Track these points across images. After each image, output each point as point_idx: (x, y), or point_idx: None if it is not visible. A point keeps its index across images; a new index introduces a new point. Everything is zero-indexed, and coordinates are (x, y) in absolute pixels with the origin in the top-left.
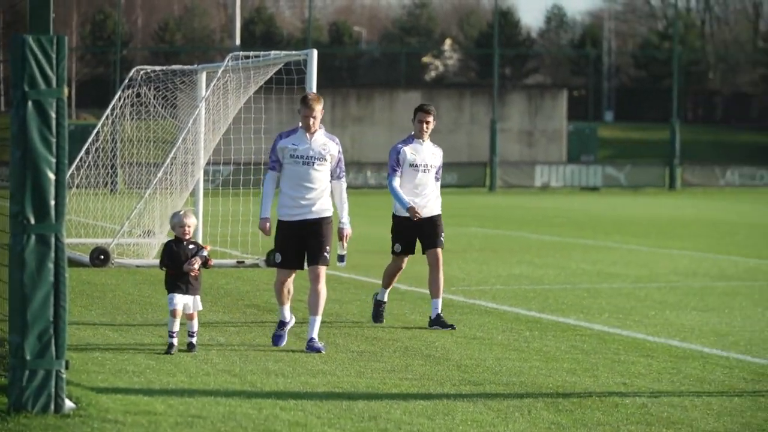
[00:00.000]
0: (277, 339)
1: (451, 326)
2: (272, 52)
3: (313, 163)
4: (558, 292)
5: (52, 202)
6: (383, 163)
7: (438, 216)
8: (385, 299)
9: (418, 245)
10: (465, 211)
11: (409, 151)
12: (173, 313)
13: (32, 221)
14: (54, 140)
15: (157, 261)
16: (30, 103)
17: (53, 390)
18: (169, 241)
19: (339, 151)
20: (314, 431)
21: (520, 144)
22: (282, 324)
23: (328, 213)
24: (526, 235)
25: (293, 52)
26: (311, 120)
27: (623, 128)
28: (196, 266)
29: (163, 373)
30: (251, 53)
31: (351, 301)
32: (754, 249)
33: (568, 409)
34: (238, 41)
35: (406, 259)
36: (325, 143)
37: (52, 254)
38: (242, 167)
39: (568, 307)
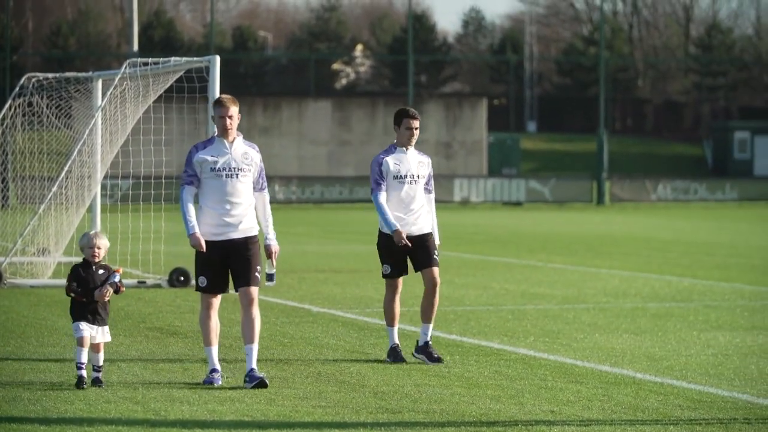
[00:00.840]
0: (210, 382)
1: (438, 359)
2: (172, 58)
3: (237, 174)
4: (480, 314)
5: None
6: (292, 176)
7: (429, 234)
8: (396, 341)
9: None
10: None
11: (392, 162)
12: (81, 341)
13: None
14: None
15: (54, 281)
16: None
17: None
18: (76, 265)
19: (260, 160)
20: None
21: (438, 156)
22: (213, 371)
23: (255, 231)
24: (445, 254)
25: (195, 58)
26: (227, 121)
27: (547, 139)
28: (108, 295)
29: (61, 401)
30: (150, 60)
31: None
32: (688, 268)
33: None
34: (135, 47)
35: (400, 282)
36: (246, 152)
37: None
38: (142, 181)
39: (491, 329)
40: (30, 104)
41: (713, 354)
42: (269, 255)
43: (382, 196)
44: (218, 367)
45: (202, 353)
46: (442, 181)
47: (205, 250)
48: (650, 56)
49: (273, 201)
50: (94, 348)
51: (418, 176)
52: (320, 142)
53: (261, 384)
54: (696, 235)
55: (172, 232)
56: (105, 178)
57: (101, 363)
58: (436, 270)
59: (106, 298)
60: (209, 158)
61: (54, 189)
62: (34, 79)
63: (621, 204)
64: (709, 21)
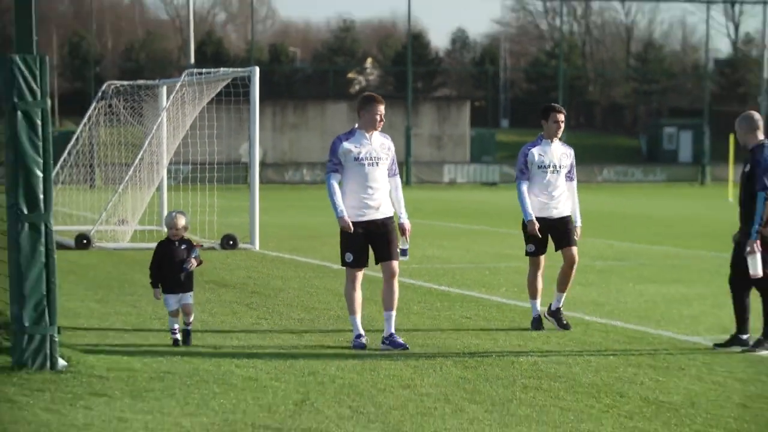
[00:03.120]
0: (359, 346)
1: (566, 326)
2: (221, 69)
3: (377, 163)
4: (464, 270)
5: (41, 196)
6: (317, 162)
7: (568, 217)
8: (540, 311)
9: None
10: None
11: (537, 153)
12: (172, 314)
13: (25, 211)
14: (40, 144)
15: (131, 245)
16: (19, 113)
17: (48, 351)
18: (161, 242)
19: (392, 149)
20: (264, 384)
21: (431, 147)
22: (359, 336)
23: (391, 212)
24: (437, 223)
25: (239, 69)
26: (378, 117)
27: (517, 133)
28: (191, 267)
29: (139, 337)
30: (203, 70)
31: (292, 277)
32: (626, 234)
33: (472, 366)
34: (192, 60)
35: (543, 259)
36: (383, 143)
37: (43, 239)
38: (199, 166)
39: (473, 282)
40: (110, 106)
41: (645, 301)
42: (403, 232)
43: (524, 186)
44: (363, 332)
45: (247, 300)
46: (434, 166)
47: (352, 230)
48: (599, 67)
49: (302, 182)
50: (185, 310)
51: (560, 166)
52: (335, 134)
53: (401, 348)
54: (633, 209)
55: (223, 206)
56: (170, 163)
57: (191, 320)
58: (574, 249)
59: (191, 269)
60: (353, 148)
61: (130, 172)
62: (112, 86)
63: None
64: (646, 39)
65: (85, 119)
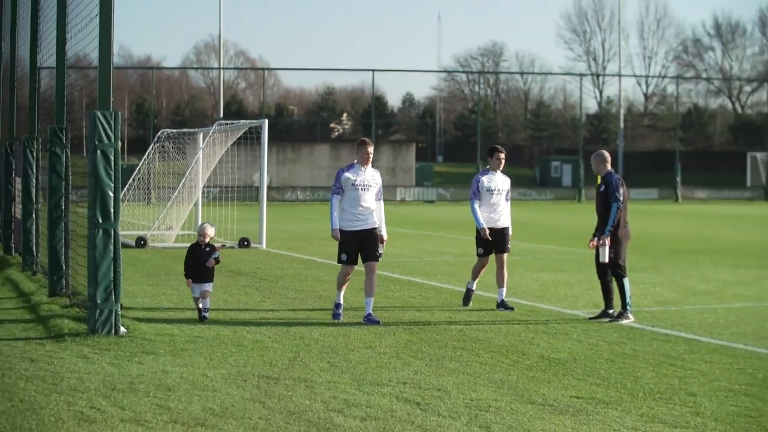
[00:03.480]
0: (337, 316)
1: (510, 308)
2: (241, 121)
3: (368, 189)
4: (411, 263)
5: (112, 210)
6: (307, 186)
7: (507, 228)
8: (473, 288)
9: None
10: None
11: (485, 180)
12: (195, 299)
13: (100, 221)
14: (113, 173)
15: (176, 245)
16: (99, 152)
17: (113, 321)
18: (191, 245)
19: (380, 180)
20: (266, 345)
21: (388, 175)
22: (338, 305)
23: (376, 225)
24: (391, 229)
25: (254, 121)
26: (370, 155)
27: (449, 166)
28: (210, 265)
29: (178, 312)
30: (229, 122)
31: (288, 268)
32: (526, 237)
33: (416, 332)
34: (221, 114)
35: (488, 259)
36: (373, 175)
37: (112, 240)
38: (224, 188)
39: (417, 271)
40: (163, 146)
41: (540, 285)
42: (381, 241)
43: (476, 204)
44: (342, 303)
45: (256, 284)
46: (390, 188)
47: (339, 240)
48: (505, 120)
49: (297, 200)
50: (203, 295)
51: (501, 190)
52: (323, 167)
53: (375, 323)
54: (530, 219)
55: (241, 217)
56: (204, 187)
57: (208, 305)
58: (506, 255)
59: (211, 267)
60: (351, 177)
61: (175, 194)
62: (165, 133)
63: None
64: (538, 100)
65: (145, 156)
